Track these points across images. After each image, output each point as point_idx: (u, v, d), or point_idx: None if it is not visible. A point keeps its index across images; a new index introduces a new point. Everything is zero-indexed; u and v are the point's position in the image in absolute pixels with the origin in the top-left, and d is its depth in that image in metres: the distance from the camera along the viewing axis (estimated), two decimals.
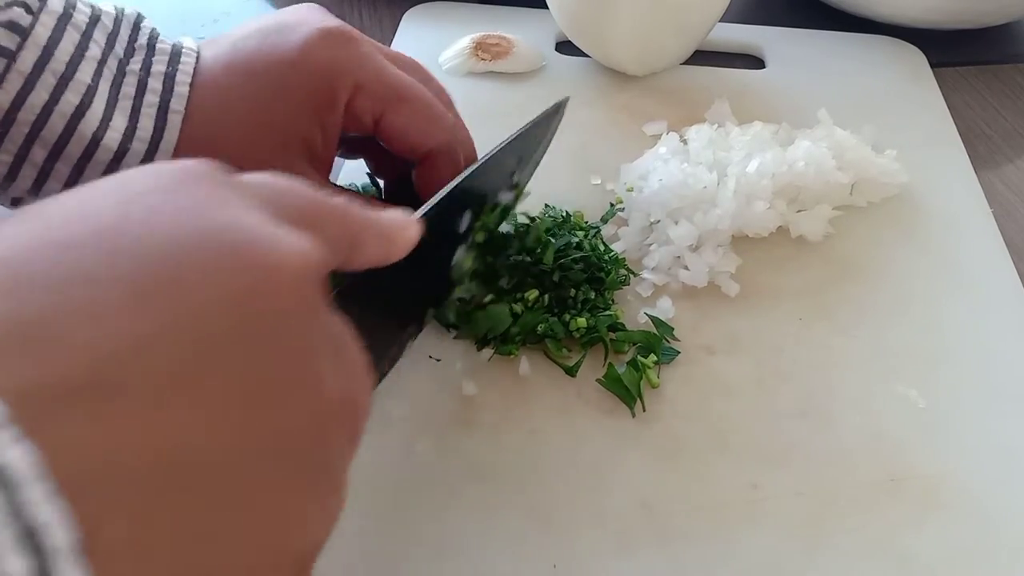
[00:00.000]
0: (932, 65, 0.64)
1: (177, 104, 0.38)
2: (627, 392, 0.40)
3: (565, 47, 0.62)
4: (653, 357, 0.42)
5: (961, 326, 0.45)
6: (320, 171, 0.40)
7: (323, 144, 0.40)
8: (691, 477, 0.38)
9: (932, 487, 0.38)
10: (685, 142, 0.52)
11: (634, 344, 0.42)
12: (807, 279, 0.47)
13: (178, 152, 0.38)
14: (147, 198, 0.21)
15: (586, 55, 0.61)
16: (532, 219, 0.46)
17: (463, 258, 0.40)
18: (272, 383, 0.21)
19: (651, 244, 0.47)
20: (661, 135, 0.53)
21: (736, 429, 0.40)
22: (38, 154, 0.37)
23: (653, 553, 0.35)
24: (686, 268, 0.46)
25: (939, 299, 0.46)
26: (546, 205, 0.49)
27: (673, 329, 0.43)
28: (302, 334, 0.22)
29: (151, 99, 0.38)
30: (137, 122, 0.37)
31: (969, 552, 0.36)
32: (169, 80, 0.38)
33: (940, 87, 0.62)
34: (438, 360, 0.42)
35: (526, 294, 0.43)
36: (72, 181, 0.37)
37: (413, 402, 0.40)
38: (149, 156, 0.37)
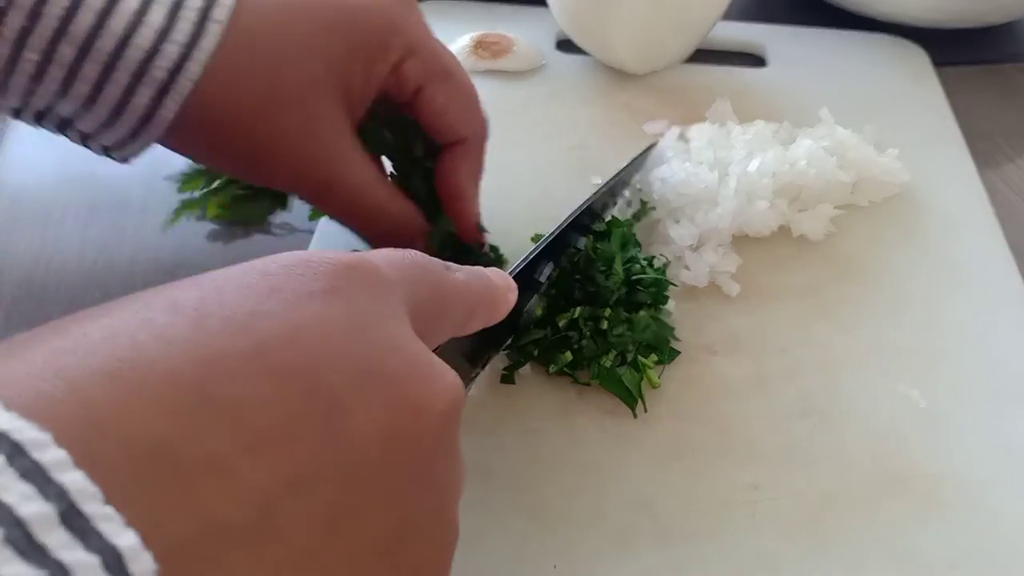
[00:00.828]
0: (934, 64, 0.64)
1: (220, 14, 0.35)
2: (628, 393, 0.40)
3: (565, 45, 0.62)
4: (654, 357, 0.42)
5: (962, 325, 0.45)
6: (350, 119, 0.39)
7: (360, 94, 0.38)
8: (692, 477, 0.38)
9: (933, 486, 0.38)
10: (686, 141, 0.52)
11: (636, 343, 0.42)
12: (808, 279, 0.47)
13: (214, 64, 0.35)
14: (312, 305, 0.21)
15: (586, 53, 0.60)
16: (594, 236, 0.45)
17: (534, 305, 0.41)
18: (416, 524, 0.21)
19: (651, 243, 0.47)
20: (661, 134, 0.52)
21: (737, 429, 0.40)
22: (66, 53, 0.34)
23: (653, 553, 0.35)
24: (687, 268, 0.46)
25: (940, 298, 0.46)
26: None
27: (674, 329, 0.43)
28: (445, 473, 0.22)
29: (194, 2, 0.35)
30: (174, 23, 0.34)
31: (970, 551, 0.36)
32: None
33: (942, 86, 0.61)
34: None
35: (558, 319, 0.41)
36: (101, 83, 0.35)
37: None
38: (182, 60, 0.34)
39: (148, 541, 0.16)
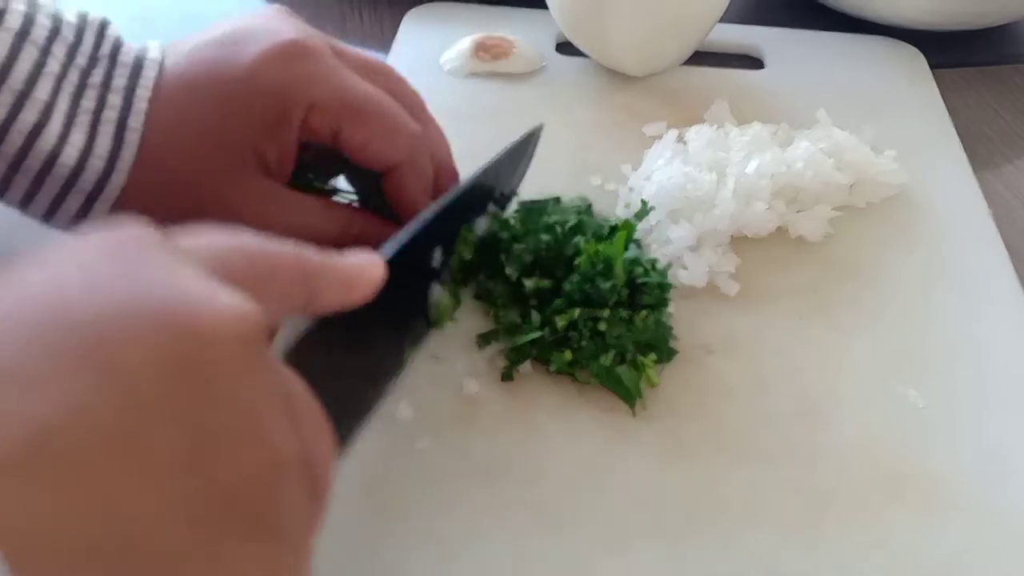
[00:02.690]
0: (931, 66, 0.64)
1: (135, 122, 0.38)
2: (627, 391, 0.41)
3: (565, 48, 0.62)
4: (653, 356, 0.42)
5: (958, 326, 0.45)
6: (278, 182, 0.40)
7: (278, 159, 0.39)
8: (690, 475, 0.38)
9: (930, 486, 0.38)
10: (684, 143, 0.52)
11: (635, 343, 0.42)
12: (806, 279, 0.47)
13: (137, 169, 0.38)
14: (81, 269, 0.21)
15: (586, 56, 0.61)
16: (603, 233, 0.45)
17: (440, 296, 0.41)
18: (210, 442, 0.21)
19: (650, 244, 0.47)
20: (661, 135, 0.53)
21: (735, 428, 0.40)
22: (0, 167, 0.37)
23: (652, 550, 0.36)
24: (685, 268, 0.46)
25: (936, 299, 0.47)
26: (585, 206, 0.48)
27: (672, 329, 0.43)
28: (241, 392, 0.22)
29: (110, 115, 0.38)
30: (95, 139, 0.37)
31: (966, 550, 0.36)
32: (129, 94, 0.38)
33: (939, 88, 0.62)
34: (440, 360, 0.42)
35: (557, 319, 0.41)
36: (32, 192, 0.38)
37: (414, 401, 0.40)
38: (107, 173, 0.37)
39: None
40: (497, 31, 0.61)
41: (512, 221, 0.45)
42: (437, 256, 0.40)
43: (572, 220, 0.45)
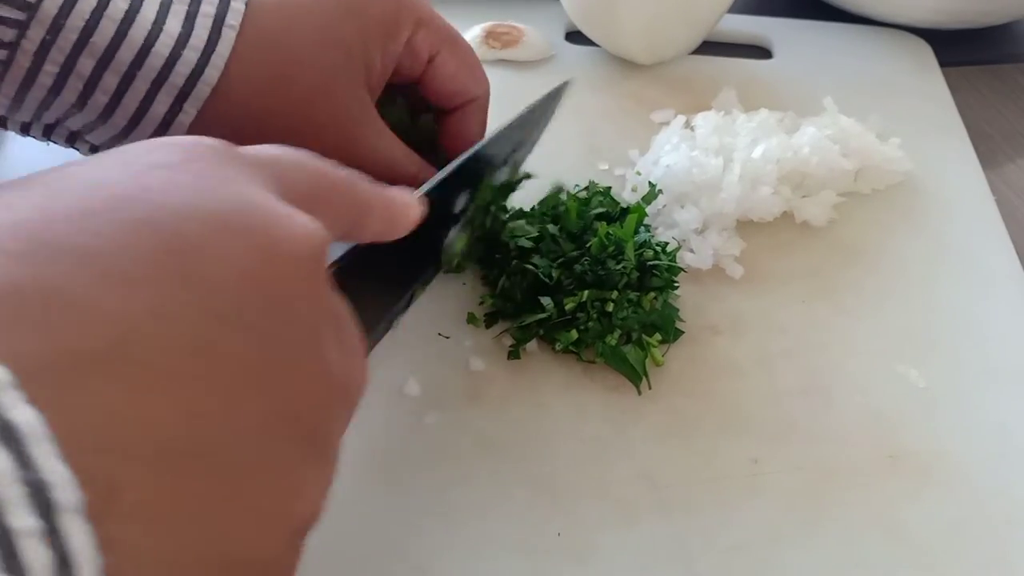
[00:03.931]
0: None
1: (232, 18, 0.36)
2: (633, 371, 0.41)
3: (575, 37, 0.63)
4: (658, 336, 0.42)
5: (960, 309, 0.46)
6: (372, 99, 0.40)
7: (379, 74, 0.39)
8: (693, 451, 0.39)
9: (929, 464, 0.39)
10: (692, 129, 0.52)
11: (642, 324, 0.43)
12: (810, 263, 0.48)
13: (233, 64, 0.36)
14: (161, 171, 0.22)
15: (595, 44, 0.61)
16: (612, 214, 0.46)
17: (455, 239, 0.41)
18: (281, 359, 0.21)
19: (657, 227, 0.48)
20: (668, 122, 0.53)
21: (738, 406, 0.41)
22: (86, 64, 0.35)
23: (655, 523, 0.36)
24: (691, 251, 0.47)
25: (940, 282, 0.47)
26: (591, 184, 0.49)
27: (678, 310, 0.44)
28: (309, 313, 0.23)
29: (207, 9, 0.35)
30: (192, 30, 0.35)
31: (963, 526, 0.37)
32: None
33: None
34: (447, 337, 0.43)
35: (566, 301, 0.42)
36: (120, 91, 0.35)
37: (422, 378, 0.41)
38: (200, 68, 0.35)
39: (20, 379, 0.16)
40: (507, 19, 0.62)
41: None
42: (461, 201, 0.41)
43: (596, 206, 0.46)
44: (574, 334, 0.41)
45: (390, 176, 0.39)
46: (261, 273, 0.21)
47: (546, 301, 0.42)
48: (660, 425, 0.40)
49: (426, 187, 0.36)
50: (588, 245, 0.43)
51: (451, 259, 0.41)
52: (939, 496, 0.38)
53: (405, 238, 0.31)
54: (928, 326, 0.45)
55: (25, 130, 0.38)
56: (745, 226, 0.49)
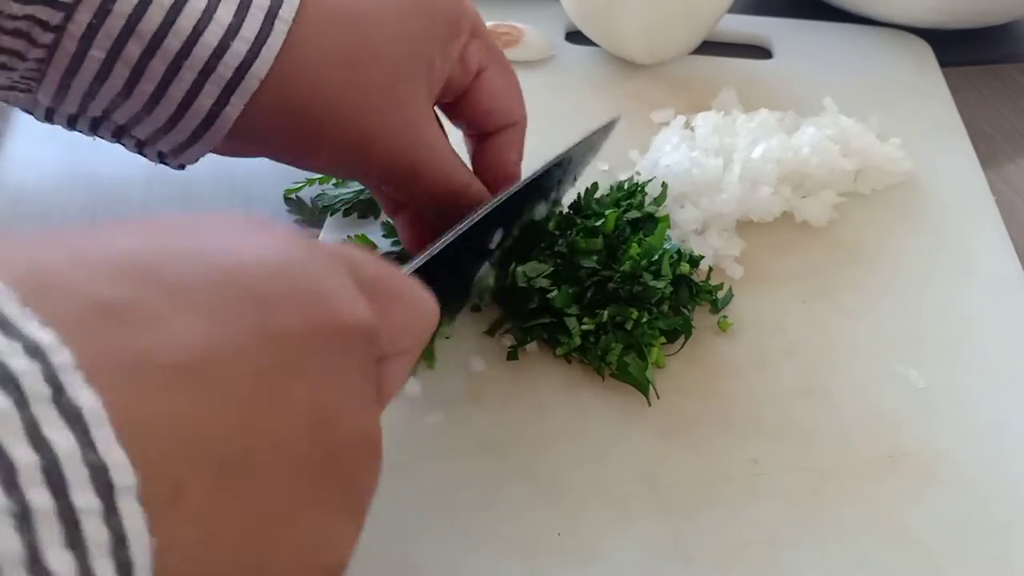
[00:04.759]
0: None
1: (287, 12, 0.35)
2: (637, 382, 0.41)
3: (575, 36, 0.63)
4: (662, 339, 0.42)
5: (960, 309, 0.46)
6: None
7: (439, 73, 0.39)
8: (693, 451, 0.39)
9: (929, 464, 0.39)
10: (692, 129, 0.53)
11: (663, 331, 0.42)
12: (810, 263, 0.48)
13: (291, 56, 0.35)
14: (254, 235, 0.23)
15: (596, 44, 0.61)
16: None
17: (486, 274, 0.41)
18: (333, 414, 0.23)
19: None
20: (668, 122, 0.53)
21: (738, 406, 0.41)
22: (132, 50, 0.34)
23: (654, 523, 0.36)
24: (691, 251, 0.47)
25: (939, 283, 0.47)
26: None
27: (692, 319, 0.43)
28: (361, 379, 0.24)
29: (262, 1, 0.35)
30: (243, 21, 0.34)
31: (963, 526, 0.37)
32: None
33: None
34: (447, 337, 0.43)
35: (585, 321, 0.41)
36: (166, 82, 0.35)
37: (423, 378, 0.41)
38: (249, 60, 0.35)
39: (90, 373, 0.17)
40: (507, 19, 0.62)
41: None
42: (496, 237, 0.41)
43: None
44: (576, 340, 0.41)
45: (444, 179, 0.39)
46: (325, 335, 0.23)
47: (571, 323, 0.41)
48: (660, 425, 0.40)
49: (460, 228, 0.36)
50: (619, 255, 0.42)
51: (481, 293, 0.41)
52: (939, 496, 0.38)
53: (439, 270, 0.31)
54: (928, 326, 0.45)
55: (72, 123, 0.38)
56: (745, 226, 0.49)
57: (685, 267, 0.44)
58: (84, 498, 0.17)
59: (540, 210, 0.44)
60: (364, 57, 0.37)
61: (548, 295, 0.41)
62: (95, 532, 0.17)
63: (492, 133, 0.42)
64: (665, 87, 0.59)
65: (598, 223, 0.44)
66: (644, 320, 0.41)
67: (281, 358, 0.21)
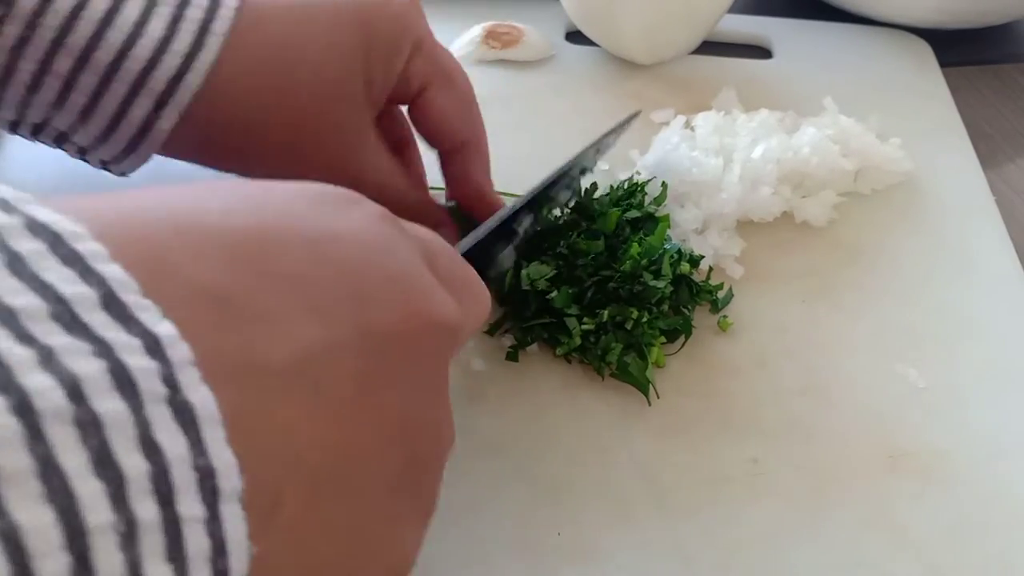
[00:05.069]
0: None
1: (220, 26, 0.35)
2: (637, 381, 0.41)
3: (575, 36, 0.63)
4: (662, 338, 0.42)
5: (960, 308, 0.46)
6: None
7: (380, 89, 0.38)
8: (693, 451, 0.39)
9: (929, 464, 0.39)
10: (692, 129, 0.53)
11: (663, 331, 0.42)
12: (810, 262, 0.48)
13: (226, 70, 0.35)
14: (353, 222, 0.23)
15: (596, 44, 0.61)
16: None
17: (508, 255, 0.41)
18: (419, 415, 0.23)
19: None
20: (668, 122, 0.53)
21: (738, 406, 0.41)
22: (63, 64, 0.34)
23: (655, 522, 0.36)
24: (691, 250, 0.47)
25: (940, 282, 0.47)
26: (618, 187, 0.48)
27: (692, 318, 0.43)
28: (442, 378, 0.24)
29: (194, 14, 0.34)
30: (175, 34, 0.34)
31: (962, 526, 0.37)
32: None
33: None
34: None
35: (585, 321, 0.41)
36: (98, 94, 0.35)
37: None
38: (181, 73, 0.34)
39: (203, 370, 0.17)
40: (507, 19, 0.62)
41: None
42: (526, 222, 0.41)
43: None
44: (577, 340, 0.41)
45: (385, 194, 0.39)
46: (415, 332, 0.23)
47: (571, 323, 0.41)
48: (660, 424, 0.40)
49: (505, 214, 0.37)
50: (619, 255, 0.42)
51: (499, 276, 0.41)
52: (938, 496, 0.38)
53: (474, 253, 0.32)
54: (928, 326, 0.45)
55: (14, 128, 0.38)
56: (745, 226, 0.49)
57: (685, 267, 0.44)
58: (188, 506, 0.16)
59: (564, 196, 0.44)
60: (297, 76, 0.36)
61: (548, 296, 0.41)
62: (197, 542, 0.16)
63: (448, 151, 0.42)
64: (665, 87, 0.59)
65: (598, 224, 0.44)
66: (644, 320, 0.41)
67: (376, 359, 0.21)
